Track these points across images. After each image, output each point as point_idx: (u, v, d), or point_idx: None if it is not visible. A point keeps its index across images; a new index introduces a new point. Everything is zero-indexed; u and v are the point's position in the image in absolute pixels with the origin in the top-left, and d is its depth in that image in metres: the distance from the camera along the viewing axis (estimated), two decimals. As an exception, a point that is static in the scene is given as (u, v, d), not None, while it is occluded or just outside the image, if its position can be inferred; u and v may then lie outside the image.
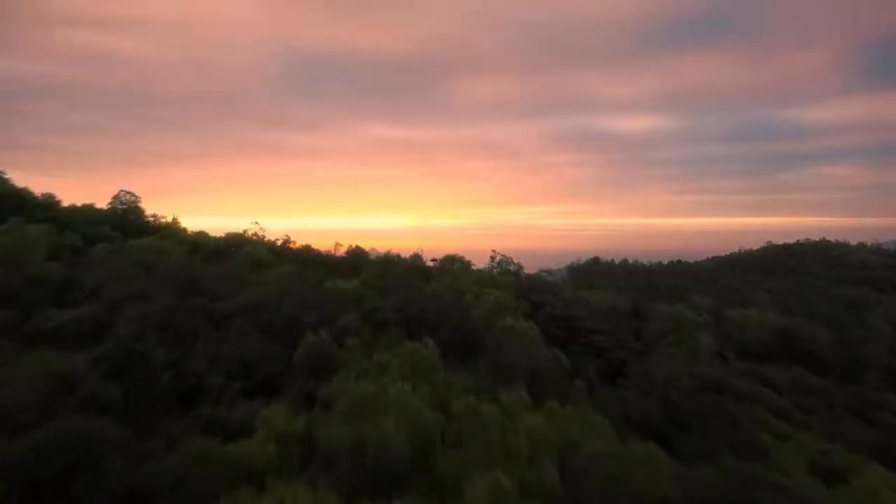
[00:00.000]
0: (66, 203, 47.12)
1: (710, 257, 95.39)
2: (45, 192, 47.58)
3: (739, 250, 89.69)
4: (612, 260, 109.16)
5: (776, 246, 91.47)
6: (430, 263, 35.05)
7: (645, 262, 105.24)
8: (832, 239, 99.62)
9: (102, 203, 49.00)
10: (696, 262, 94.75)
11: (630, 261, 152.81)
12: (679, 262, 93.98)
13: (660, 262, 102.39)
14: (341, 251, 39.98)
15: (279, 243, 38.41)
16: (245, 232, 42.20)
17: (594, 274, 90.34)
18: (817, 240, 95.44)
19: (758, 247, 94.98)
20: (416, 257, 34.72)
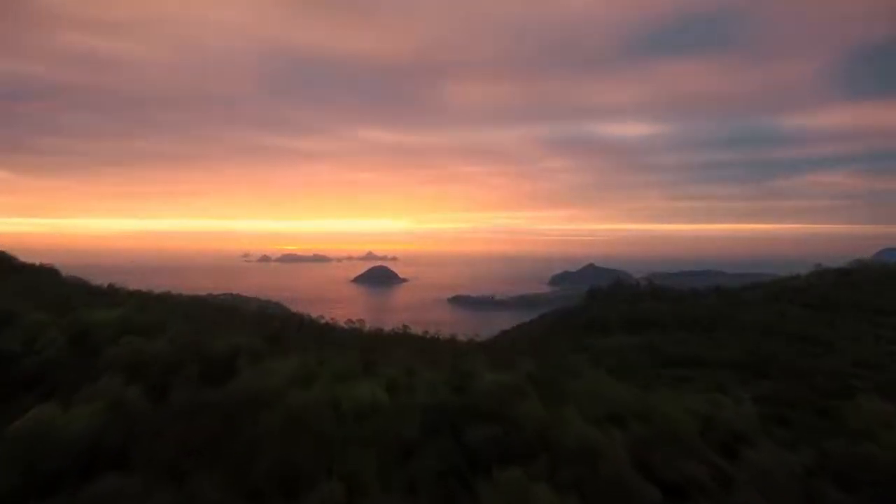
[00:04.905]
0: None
1: (752, 284, 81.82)
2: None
3: (791, 276, 76.38)
4: (637, 282, 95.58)
5: (832, 271, 78.26)
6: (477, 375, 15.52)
7: (675, 288, 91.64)
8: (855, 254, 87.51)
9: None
10: (740, 288, 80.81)
11: (647, 276, 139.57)
12: (718, 288, 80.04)
13: (694, 290, 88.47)
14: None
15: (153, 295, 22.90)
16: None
17: (619, 301, 76.43)
18: (868, 258, 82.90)
19: (806, 272, 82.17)
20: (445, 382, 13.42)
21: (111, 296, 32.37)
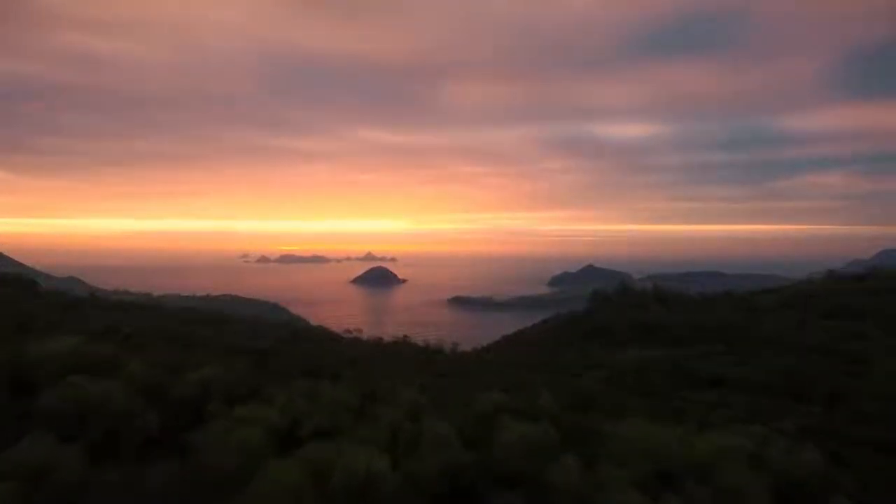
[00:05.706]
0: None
1: (763, 288, 79.41)
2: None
3: (808, 281, 73.64)
4: (642, 285, 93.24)
5: (845, 276, 75.69)
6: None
7: (678, 290, 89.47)
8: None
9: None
10: (751, 293, 78.19)
11: (647, 276, 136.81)
12: (728, 293, 77.57)
13: (701, 293, 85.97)
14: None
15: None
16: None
17: (624, 305, 73.77)
18: (868, 258, 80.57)
19: (807, 273, 79.85)
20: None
21: (89, 309, 29.96)
